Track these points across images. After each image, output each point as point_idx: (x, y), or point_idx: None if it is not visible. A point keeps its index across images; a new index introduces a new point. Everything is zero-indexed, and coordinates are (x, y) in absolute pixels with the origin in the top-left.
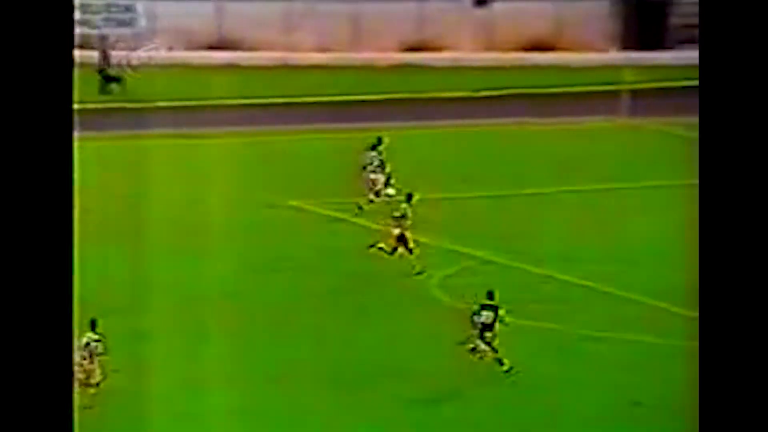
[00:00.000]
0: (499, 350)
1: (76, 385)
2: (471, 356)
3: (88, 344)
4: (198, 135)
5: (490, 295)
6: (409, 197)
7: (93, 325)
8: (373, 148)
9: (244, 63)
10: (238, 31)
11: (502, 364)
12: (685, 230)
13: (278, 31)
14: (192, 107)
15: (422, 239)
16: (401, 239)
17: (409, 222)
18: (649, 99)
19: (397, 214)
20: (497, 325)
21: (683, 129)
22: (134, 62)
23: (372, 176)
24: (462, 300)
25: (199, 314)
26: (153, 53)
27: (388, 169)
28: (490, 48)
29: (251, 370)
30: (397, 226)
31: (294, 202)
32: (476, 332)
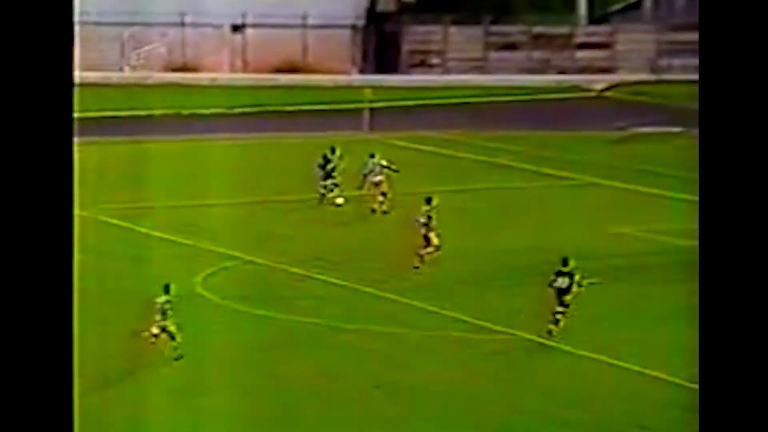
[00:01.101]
0: (262, 346)
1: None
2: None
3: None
4: None
5: (565, 262)
6: (429, 200)
7: (167, 289)
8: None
9: None
10: None
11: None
12: (436, 232)
13: None
14: None
15: (187, 241)
16: (426, 240)
17: (434, 223)
18: (385, 116)
19: (422, 218)
20: (574, 288)
21: (415, 143)
22: (134, 62)
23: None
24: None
25: None
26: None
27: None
28: (245, 69)
29: None
30: (423, 227)
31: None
32: (554, 297)
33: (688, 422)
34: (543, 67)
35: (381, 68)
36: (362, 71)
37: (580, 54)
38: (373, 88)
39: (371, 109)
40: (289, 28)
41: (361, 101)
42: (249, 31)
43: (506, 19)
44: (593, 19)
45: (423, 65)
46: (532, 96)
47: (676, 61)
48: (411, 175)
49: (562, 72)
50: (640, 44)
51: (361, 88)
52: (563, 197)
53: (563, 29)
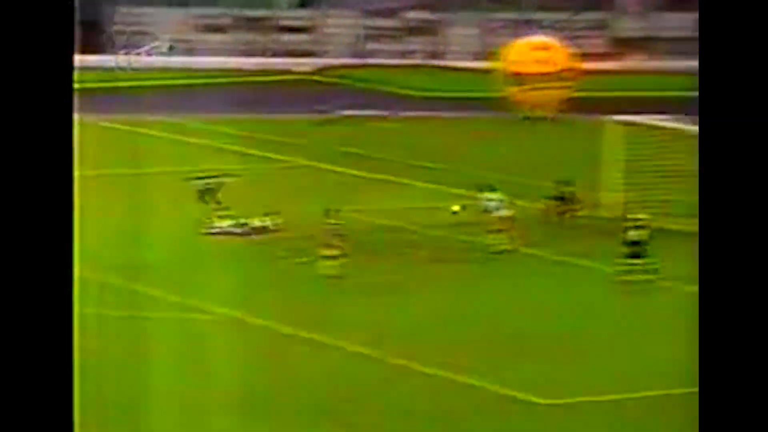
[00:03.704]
0: None
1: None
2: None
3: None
4: None
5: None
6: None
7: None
8: None
9: None
10: None
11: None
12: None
13: None
14: None
15: None
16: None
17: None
18: (94, 98)
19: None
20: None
21: (127, 125)
22: (134, 62)
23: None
24: None
25: None
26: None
27: None
28: None
29: None
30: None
31: None
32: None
33: (385, 395)
34: (250, 50)
35: (88, 50)
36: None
37: (286, 38)
38: (81, 69)
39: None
40: None
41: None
42: None
43: (213, 1)
44: (298, 3)
45: (131, 46)
46: (242, 79)
47: (378, 46)
48: (127, 158)
49: (269, 55)
50: (343, 29)
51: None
52: (278, 179)
53: (268, 13)
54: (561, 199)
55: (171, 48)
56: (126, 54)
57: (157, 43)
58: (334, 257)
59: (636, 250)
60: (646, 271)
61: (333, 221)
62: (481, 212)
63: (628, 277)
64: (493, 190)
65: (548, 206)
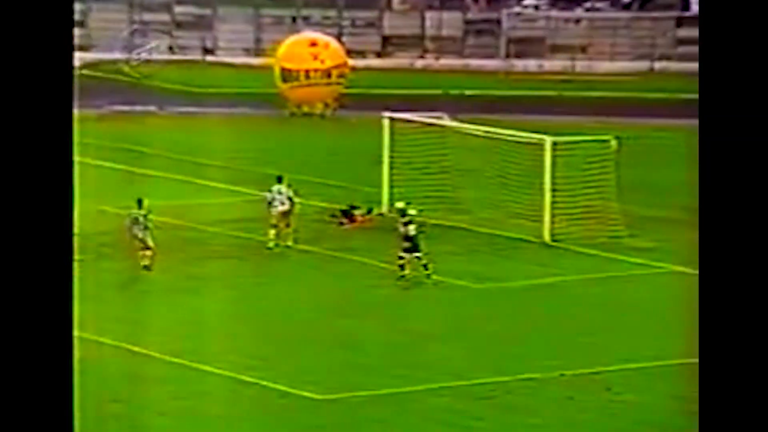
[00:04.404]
0: None
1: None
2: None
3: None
4: None
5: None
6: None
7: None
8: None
9: None
10: None
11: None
12: None
13: None
14: None
15: None
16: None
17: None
18: None
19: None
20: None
21: None
22: (134, 61)
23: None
24: None
25: None
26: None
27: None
28: None
29: None
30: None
31: None
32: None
33: (163, 394)
34: None
35: None
36: None
37: None
38: None
39: None
40: None
41: None
42: None
43: None
44: None
45: None
46: None
47: (148, 41)
48: None
49: None
50: (113, 23)
51: None
52: None
53: None
54: (346, 214)
55: (170, 48)
56: None
57: (156, 43)
58: (145, 250)
59: (411, 244)
60: (422, 266)
61: (140, 215)
62: (266, 206)
63: (403, 272)
64: (281, 182)
65: (331, 220)
